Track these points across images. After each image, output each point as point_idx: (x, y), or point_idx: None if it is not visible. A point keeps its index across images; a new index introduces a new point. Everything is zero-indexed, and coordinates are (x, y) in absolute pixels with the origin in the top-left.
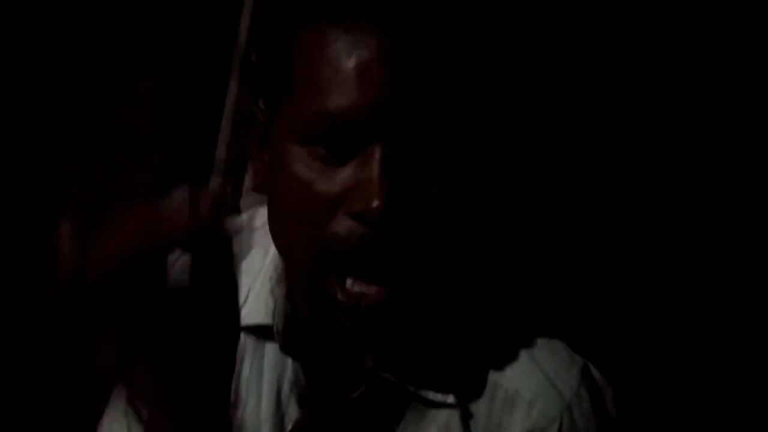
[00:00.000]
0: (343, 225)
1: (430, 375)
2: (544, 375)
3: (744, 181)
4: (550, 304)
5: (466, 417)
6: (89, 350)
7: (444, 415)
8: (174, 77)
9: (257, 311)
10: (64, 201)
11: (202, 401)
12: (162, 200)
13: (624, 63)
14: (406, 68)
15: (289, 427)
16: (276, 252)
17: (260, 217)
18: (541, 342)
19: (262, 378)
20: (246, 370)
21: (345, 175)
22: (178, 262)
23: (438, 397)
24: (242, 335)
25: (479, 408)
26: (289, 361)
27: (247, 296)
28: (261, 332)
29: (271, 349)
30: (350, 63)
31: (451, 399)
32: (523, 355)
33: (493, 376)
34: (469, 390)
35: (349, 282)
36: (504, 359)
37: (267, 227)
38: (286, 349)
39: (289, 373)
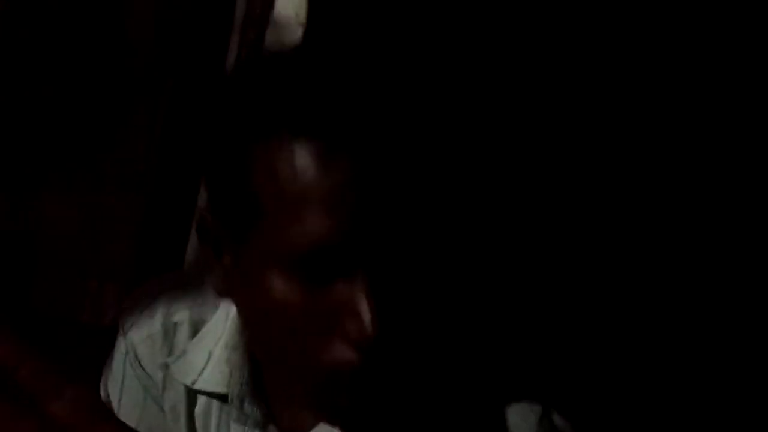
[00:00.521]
0: (345, 351)
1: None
2: (502, 425)
3: (744, 181)
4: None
5: None
6: None
7: None
8: (160, 122)
9: (215, 379)
10: (51, 241)
11: None
12: None
13: (621, 67)
14: (378, 189)
15: None
16: (234, 316)
17: None
18: (505, 391)
19: (230, 428)
20: (213, 424)
21: (330, 297)
22: None
23: None
24: (206, 399)
25: None
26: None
27: (207, 361)
28: (222, 396)
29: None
30: (324, 184)
31: None
32: (489, 407)
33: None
34: None
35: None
36: (473, 412)
37: None
38: (240, 418)
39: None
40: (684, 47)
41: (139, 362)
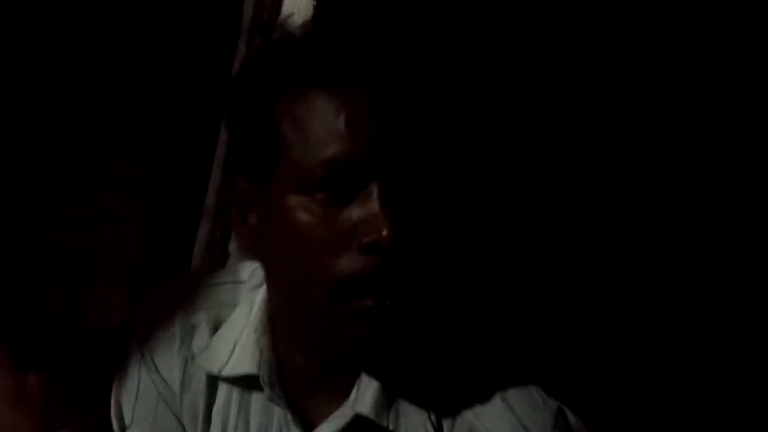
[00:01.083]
0: (356, 261)
1: (411, 414)
2: (516, 419)
3: (743, 181)
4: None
5: None
6: None
7: None
8: (167, 127)
9: (243, 362)
10: (58, 245)
11: None
12: None
13: (617, 67)
14: (388, 115)
15: None
16: (261, 305)
17: (245, 271)
18: (516, 385)
19: (249, 425)
20: (233, 417)
21: (347, 215)
22: None
23: None
24: (228, 386)
25: None
26: (276, 409)
27: (233, 350)
28: (247, 383)
29: (257, 398)
30: (340, 119)
31: None
32: (498, 398)
33: (468, 417)
34: (446, 430)
35: (355, 302)
36: (479, 401)
37: (253, 280)
38: (272, 398)
39: (275, 421)
40: (684, 47)
41: (156, 368)
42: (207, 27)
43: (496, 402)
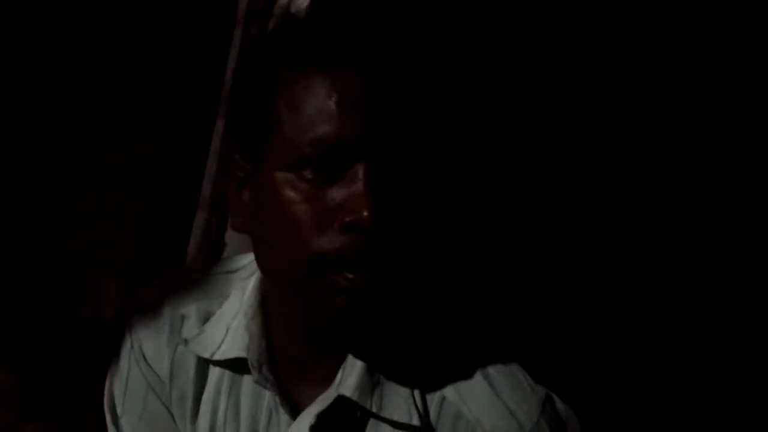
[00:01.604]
0: (335, 239)
1: (395, 396)
2: (504, 406)
3: (743, 181)
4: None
5: None
6: None
7: None
8: (163, 118)
9: (233, 346)
10: (54, 237)
11: None
12: None
13: (612, 67)
14: (378, 98)
15: None
16: (252, 291)
17: (239, 262)
18: (503, 370)
19: (239, 409)
20: (223, 402)
21: (332, 194)
22: None
23: (403, 417)
24: (218, 373)
25: None
26: (266, 394)
27: (225, 334)
28: (237, 367)
29: (247, 384)
30: (333, 98)
31: (415, 420)
32: (485, 383)
33: (454, 402)
34: (432, 414)
35: (335, 277)
36: (466, 385)
37: (247, 271)
38: (259, 381)
39: (265, 405)
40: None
41: (145, 358)
42: (203, 17)
43: (483, 387)
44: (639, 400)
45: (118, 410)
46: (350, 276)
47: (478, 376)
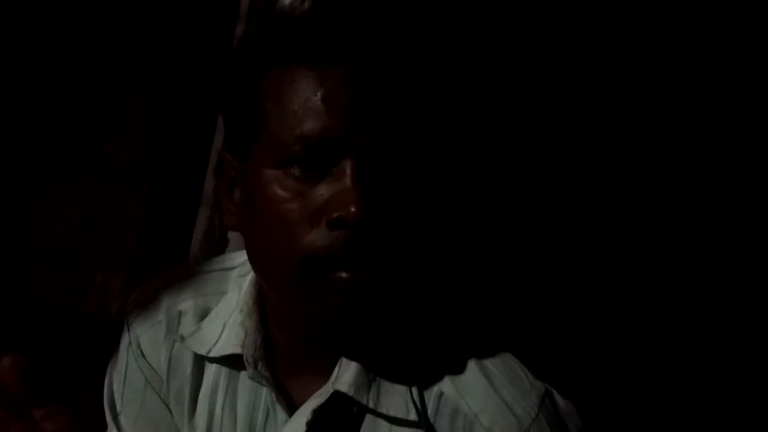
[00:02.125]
0: (324, 236)
1: (392, 391)
2: (502, 401)
3: (743, 181)
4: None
5: None
6: None
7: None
8: (165, 113)
9: (230, 343)
10: (56, 233)
11: None
12: None
13: (608, 67)
14: (365, 94)
15: None
16: (248, 288)
17: (238, 259)
18: (502, 365)
19: (236, 405)
20: (220, 399)
21: (320, 191)
22: None
23: (400, 413)
24: (215, 370)
25: (440, 429)
26: (263, 391)
27: (222, 331)
28: (234, 363)
29: (244, 381)
30: (318, 94)
31: (412, 415)
32: (483, 378)
33: (452, 397)
34: (430, 409)
35: (328, 276)
36: (464, 381)
37: (244, 267)
38: (255, 377)
39: (262, 402)
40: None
41: (142, 353)
42: (205, 11)
43: (482, 382)
44: (638, 395)
45: (117, 405)
46: (342, 275)
47: (476, 372)
